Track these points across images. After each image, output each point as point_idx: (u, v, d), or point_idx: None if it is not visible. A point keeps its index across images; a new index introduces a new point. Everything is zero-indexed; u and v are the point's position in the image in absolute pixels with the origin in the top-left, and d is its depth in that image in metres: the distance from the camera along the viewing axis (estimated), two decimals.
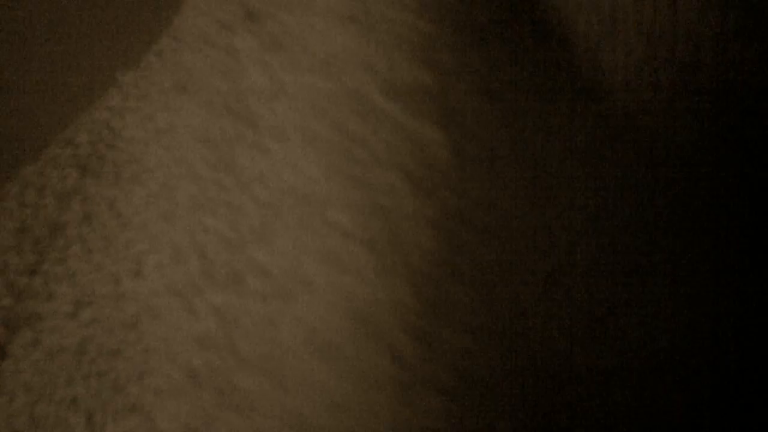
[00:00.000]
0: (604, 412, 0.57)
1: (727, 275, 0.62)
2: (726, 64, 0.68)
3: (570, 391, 0.58)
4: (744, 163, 0.66)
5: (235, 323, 0.66)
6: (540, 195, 0.64)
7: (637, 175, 0.64)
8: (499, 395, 0.58)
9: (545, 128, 0.65)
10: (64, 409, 0.67)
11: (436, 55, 0.66)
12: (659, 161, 0.64)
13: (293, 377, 0.60)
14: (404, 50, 0.61)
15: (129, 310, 0.71)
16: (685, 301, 0.61)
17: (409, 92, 0.63)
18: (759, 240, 0.63)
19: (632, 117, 0.63)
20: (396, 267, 0.61)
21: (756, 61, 0.67)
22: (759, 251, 0.62)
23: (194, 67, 0.69)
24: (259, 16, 0.65)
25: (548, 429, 0.57)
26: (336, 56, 0.62)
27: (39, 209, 0.80)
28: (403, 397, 0.57)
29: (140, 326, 0.69)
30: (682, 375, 0.59)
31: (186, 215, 0.72)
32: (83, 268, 0.76)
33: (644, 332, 0.60)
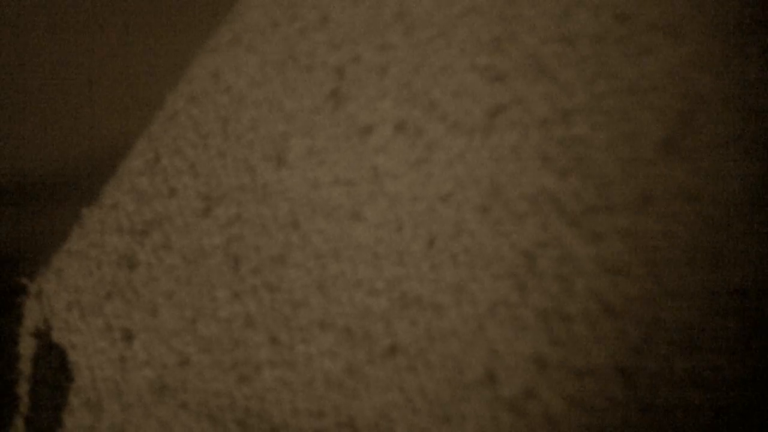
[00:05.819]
0: None
1: None
2: None
3: None
4: None
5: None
6: None
7: None
8: None
9: None
10: (238, 328, 0.61)
11: None
12: None
13: None
14: None
15: (281, 206, 0.62)
16: None
17: None
18: None
19: None
20: None
21: None
22: None
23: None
24: None
25: None
26: None
27: None
28: None
29: (303, 226, 0.61)
30: None
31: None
32: (201, 155, 0.67)
33: None
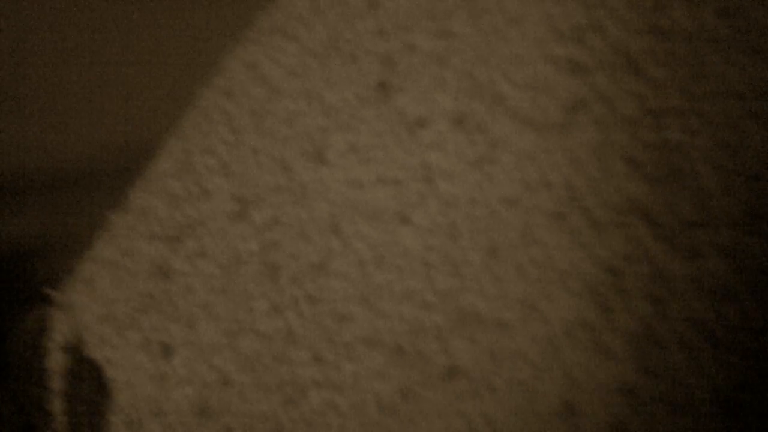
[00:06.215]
0: None
1: None
2: None
3: None
4: None
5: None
6: None
7: None
8: None
9: None
10: (280, 345, 0.56)
11: None
12: None
13: None
14: None
15: (320, 208, 0.56)
16: None
17: None
18: None
19: None
20: None
21: None
22: None
23: None
24: None
25: None
26: None
27: None
28: None
29: (344, 230, 0.55)
30: None
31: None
32: (233, 153, 0.62)
33: None
